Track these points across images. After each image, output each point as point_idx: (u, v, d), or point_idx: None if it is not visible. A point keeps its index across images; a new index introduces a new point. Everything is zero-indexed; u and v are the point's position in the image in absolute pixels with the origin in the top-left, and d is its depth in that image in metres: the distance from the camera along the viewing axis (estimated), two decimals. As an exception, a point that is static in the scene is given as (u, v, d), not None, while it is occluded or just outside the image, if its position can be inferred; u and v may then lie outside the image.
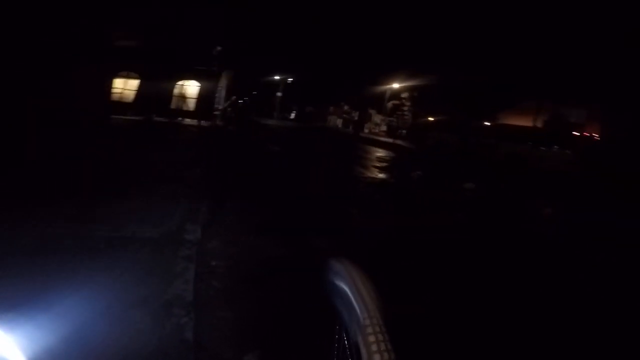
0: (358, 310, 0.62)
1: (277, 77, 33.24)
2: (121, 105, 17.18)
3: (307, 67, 32.02)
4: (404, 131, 25.54)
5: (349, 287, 0.68)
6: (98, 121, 7.31)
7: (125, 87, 18.24)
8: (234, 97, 28.66)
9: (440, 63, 23.39)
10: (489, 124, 17.52)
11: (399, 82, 27.34)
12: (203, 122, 17.09)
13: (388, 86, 28.06)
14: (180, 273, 2.27)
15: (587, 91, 18.98)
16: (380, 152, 14.95)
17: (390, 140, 20.89)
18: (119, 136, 9.01)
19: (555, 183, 10.97)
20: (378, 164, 10.77)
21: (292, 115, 34.74)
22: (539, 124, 18.73)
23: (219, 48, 17.96)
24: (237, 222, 3.73)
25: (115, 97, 18.10)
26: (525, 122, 18.12)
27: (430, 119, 21.01)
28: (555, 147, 12.85)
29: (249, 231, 3.48)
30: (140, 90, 18.17)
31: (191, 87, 19.14)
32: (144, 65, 17.26)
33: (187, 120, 17.63)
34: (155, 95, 17.63)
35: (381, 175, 8.66)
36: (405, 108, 27.66)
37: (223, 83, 22.00)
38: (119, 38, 13.12)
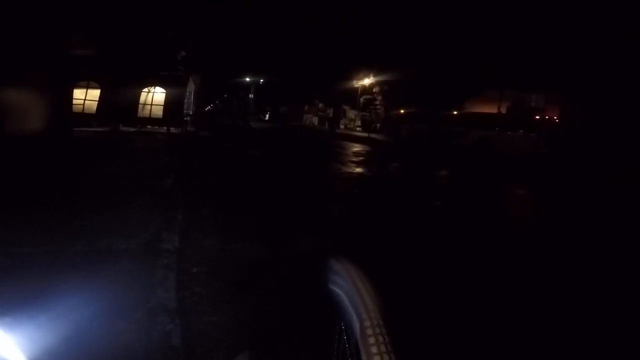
0: (358, 310, 0.62)
1: (247, 79, 32.81)
2: (84, 117, 16.37)
3: (277, 67, 31.82)
4: (378, 125, 26.00)
5: (348, 286, 0.67)
6: (58, 133, 6.87)
7: (86, 97, 17.53)
8: (210, 106, 28.01)
9: (408, 56, 23.96)
10: (456, 112, 18.16)
11: (370, 77, 27.76)
12: (173, 129, 16.62)
13: (360, 82, 28.42)
14: (161, 282, 2.24)
15: (545, 77, 20.11)
16: (357, 147, 15.15)
17: (365, 134, 21.19)
18: (84, 148, 8.55)
19: (523, 164, 11.59)
20: (355, 159, 10.92)
21: (267, 117, 34.43)
22: (503, 111, 19.64)
23: (183, 53, 17.52)
24: (216, 228, 3.68)
25: (76, 108, 17.44)
26: (490, 109, 18.93)
27: (402, 111, 21.50)
28: (520, 131, 13.54)
29: (229, 236, 3.44)
30: (102, 100, 17.46)
31: (157, 94, 18.70)
32: (105, 73, 16.62)
33: (156, 128, 17.10)
34: (120, 104, 17.00)
35: (359, 170, 8.79)
36: (377, 102, 28.14)
37: (191, 87, 21.46)
38: (75, 45, 12.43)
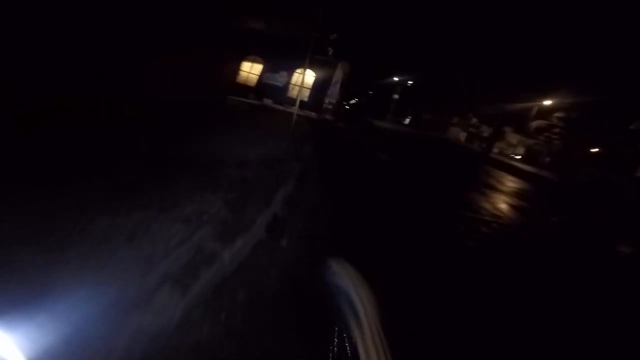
0: (357, 312, 0.72)
1: (395, 79, 30.93)
2: (244, 89, 18.23)
3: (431, 68, 28.67)
4: (548, 158, 20.01)
5: (347, 289, 0.78)
6: (213, 103, 7.45)
7: (250, 71, 19.30)
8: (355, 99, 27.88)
9: (619, 72, 17.17)
10: None
11: (553, 98, 21.54)
12: (313, 114, 16.76)
13: (535, 102, 22.50)
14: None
15: None
16: (514, 182, 11.47)
17: (529, 168, 16.37)
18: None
19: None
20: (508, 199, 7.86)
21: (407, 121, 31.96)
22: None
23: (335, 35, 17.24)
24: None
25: (241, 79, 19.56)
26: None
27: (591, 149, 15.50)
28: None
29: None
30: (262, 76, 18.96)
31: (308, 77, 19.03)
32: (267, 51, 17.77)
33: (297, 110, 17.72)
34: (275, 81, 18.15)
35: (513, 217, 5.97)
36: (556, 131, 21.66)
37: (338, 76, 21.27)
38: (246, 21, 13.74)
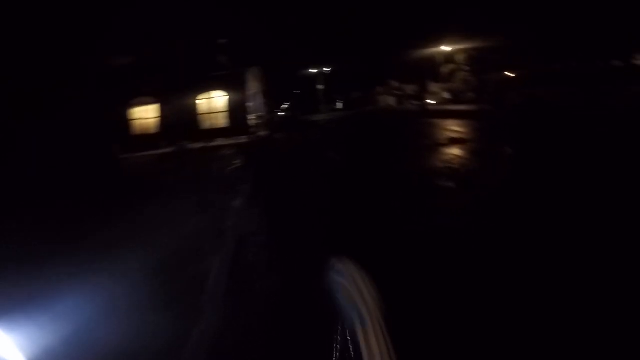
0: (359, 309, 0.66)
1: (313, 71, 31.68)
2: (148, 138, 15.02)
3: (341, 52, 29.99)
4: (471, 94, 22.26)
5: (350, 286, 0.71)
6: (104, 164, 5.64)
7: (148, 115, 16.03)
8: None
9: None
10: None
11: (450, 45, 24.00)
12: (242, 138, 14.40)
13: (437, 52, 24.77)
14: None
15: None
16: (458, 122, 12.64)
17: (460, 107, 18.12)
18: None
19: None
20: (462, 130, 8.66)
21: (340, 105, 33.06)
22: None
23: (223, 41, 15.27)
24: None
25: (142, 127, 15.58)
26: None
27: (508, 73, 17.51)
28: None
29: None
30: (163, 116, 15.69)
31: (218, 99, 16.38)
32: (159, 86, 14.66)
33: (222, 140, 14.37)
34: (181, 117, 14.94)
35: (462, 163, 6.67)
36: (466, 68, 24.19)
37: (255, 86, 19.02)
38: (114, 54, 10.82)
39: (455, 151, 7.48)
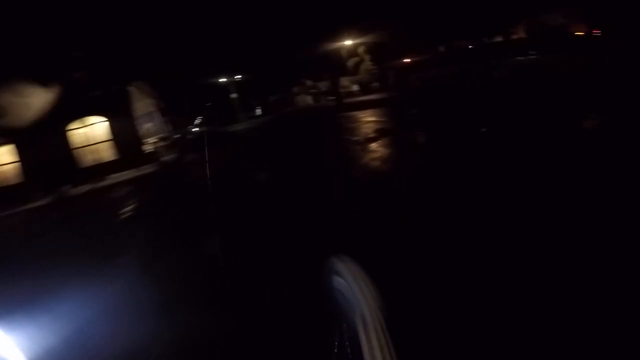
0: (359, 308, 0.68)
1: (222, 80, 30.61)
2: (9, 191, 11.41)
3: (248, 58, 29.54)
4: (377, 83, 24.09)
5: (350, 285, 0.74)
6: None
7: (3, 161, 11.89)
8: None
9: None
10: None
11: (351, 38, 25.54)
12: (144, 168, 11.85)
13: (340, 45, 26.15)
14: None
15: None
16: (369, 116, 13.61)
17: (370, 97, 19.47)
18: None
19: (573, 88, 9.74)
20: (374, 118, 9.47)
21: (258, 111, 32.63)
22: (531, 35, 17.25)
23: (79, 54, 11.67)
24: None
25: None
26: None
27: (406, 60, 19.30)
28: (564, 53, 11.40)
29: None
30: (23, 159, 11.69)
31: (96, 127, 12.88)
32: (6, 119, 10.68)
33: (114, 177, 11.52)
34: (49, 156, 11.18)
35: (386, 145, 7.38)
36: (367, 60, 26.06)
37: (146, 104, 15.67)
38: None
39: (375, 143, 8.06)
